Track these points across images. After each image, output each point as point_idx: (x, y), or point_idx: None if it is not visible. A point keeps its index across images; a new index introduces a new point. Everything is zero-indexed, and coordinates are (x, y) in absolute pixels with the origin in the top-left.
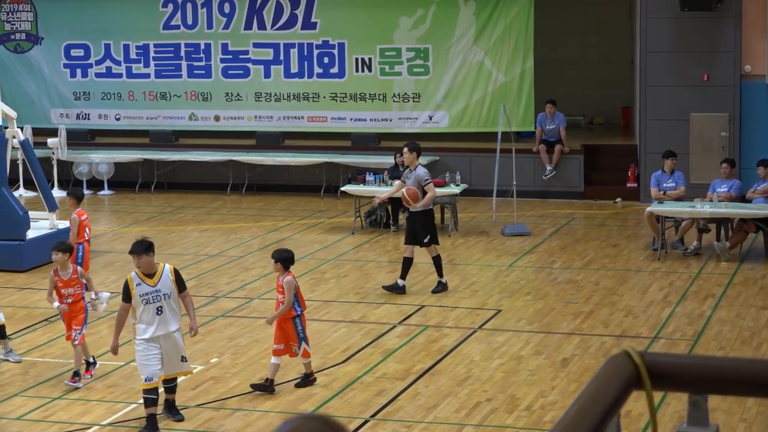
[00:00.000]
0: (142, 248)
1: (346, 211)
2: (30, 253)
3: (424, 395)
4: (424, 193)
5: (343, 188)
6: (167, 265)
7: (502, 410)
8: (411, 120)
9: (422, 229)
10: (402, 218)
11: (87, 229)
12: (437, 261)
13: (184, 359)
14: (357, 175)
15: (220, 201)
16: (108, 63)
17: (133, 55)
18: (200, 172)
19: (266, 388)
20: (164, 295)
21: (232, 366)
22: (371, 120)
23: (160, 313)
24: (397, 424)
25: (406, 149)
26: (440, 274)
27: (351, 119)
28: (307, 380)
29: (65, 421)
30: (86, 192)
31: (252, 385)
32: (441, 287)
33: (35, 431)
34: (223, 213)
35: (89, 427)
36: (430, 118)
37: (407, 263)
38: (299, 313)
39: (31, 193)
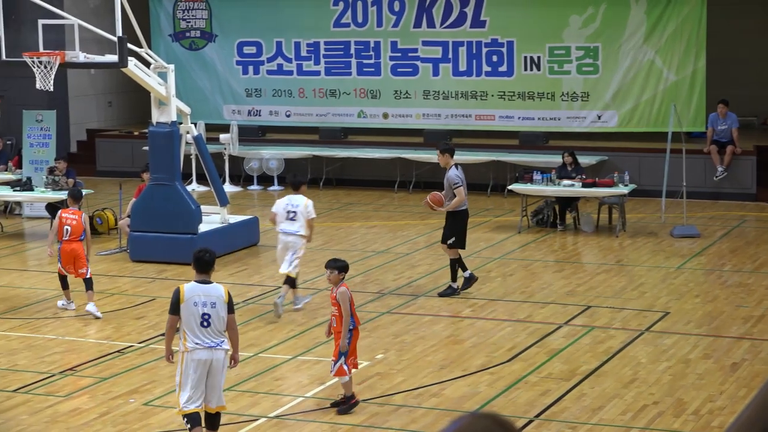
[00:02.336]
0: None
1: (513, 209)
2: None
3: (590, 396)
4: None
5: (510, 187)
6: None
7: (669, 414)
8: (579, 119)
9: (449, 229)
10: (569, 218)
11: (66, 228)
12: (454, 263)
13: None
14: (524, 173)
15: (387, 198)
16: (279, 60)
17: (303, 53)
18: (368, 169)
19: (349, 404)
20: None
21: (397, 362)
22: (539, 119)
23: None
24: (562, 424)
25: (438, 151)
26: (453, 278)
27: (519, 118)
28: (345, 404)
29: (233, 412)
30: (257, 188)
31: (333, 404)
32: (451, 291)
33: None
34: (390, 210)
35: (256, 419)
36: (599, 117)
37: (453, 264)
38: (352, 327)
39: (203, 188)
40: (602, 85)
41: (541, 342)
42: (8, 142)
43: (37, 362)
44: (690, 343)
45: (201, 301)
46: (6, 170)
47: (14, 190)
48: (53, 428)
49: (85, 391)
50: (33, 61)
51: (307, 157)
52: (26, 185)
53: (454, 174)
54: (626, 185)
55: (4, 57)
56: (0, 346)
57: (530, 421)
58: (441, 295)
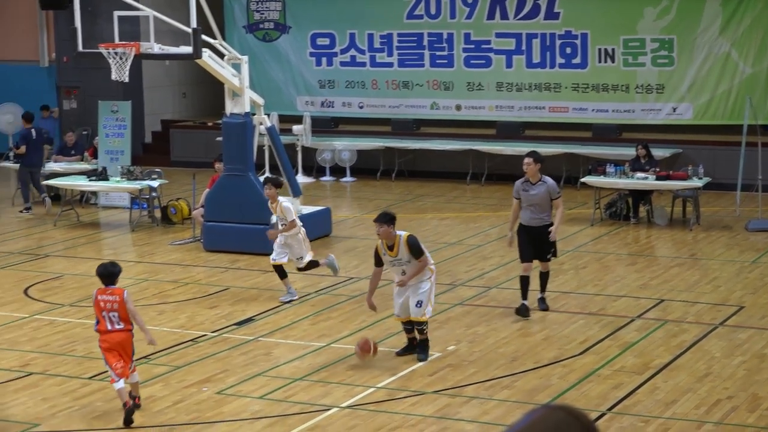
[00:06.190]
0: (384, 219)
1: (586, 202)
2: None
3: (663, 390)
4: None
5: (583, 179)
6: (402, 234)
7: (743, 409)
8: (654, 111)
9: (551, 242)
10: (643, 211)
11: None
12: (546, 276)
13: (418, 304)
14: (597, 166)
15: (459, 190)
16: (352, 52)
17: (377, 44)
18: (440, 161)
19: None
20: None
21: (469, 354)
22: (613, 111)
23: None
24: (635, 418)
25: (530, 159)
26: (542, 290)
27: (592, 110)
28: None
29: (306, 401)
30: (329, 179)
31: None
32: (545, 305)
33: (277, 410)
34: (463, 202)
35: (329, 409)
36: (674, 109)
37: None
38: None
39: None
40: (677, 78)
41: (614, 335)
42: (84, 133)
43: None
44: (765, 338)
45: None
46: (82, 160)
47: (90, 180)
48: None
49: (158, 379)
50: (108, 53)
51: (379, 149)
52: (102, 175)
53: (554, 183)
54: (700, 178)
55: (80, 48)
56: (76, 333)
57: (602, 415)
58: (543, 309)
